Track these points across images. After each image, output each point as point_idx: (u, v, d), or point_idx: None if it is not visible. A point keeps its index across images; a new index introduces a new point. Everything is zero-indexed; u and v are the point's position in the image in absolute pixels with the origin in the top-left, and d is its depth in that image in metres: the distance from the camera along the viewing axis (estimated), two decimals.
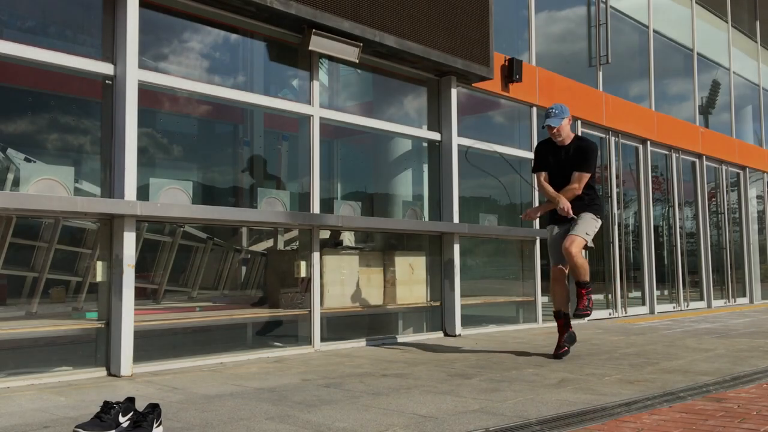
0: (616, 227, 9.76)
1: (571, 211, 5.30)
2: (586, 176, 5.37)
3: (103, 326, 4.61)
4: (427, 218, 7.32)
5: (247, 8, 5.37)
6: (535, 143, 8.44)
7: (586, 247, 5.39)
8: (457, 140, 7.26)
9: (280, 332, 5.99)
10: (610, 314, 9.54)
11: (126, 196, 4.60)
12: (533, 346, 6.12)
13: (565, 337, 5.51)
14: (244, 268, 6.30)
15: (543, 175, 5.57)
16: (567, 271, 5.51)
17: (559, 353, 5.39)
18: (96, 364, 4.58)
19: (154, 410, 2.92)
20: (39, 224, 4.90)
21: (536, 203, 8.41)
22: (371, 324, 6.77)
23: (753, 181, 14.17)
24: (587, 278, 5.41)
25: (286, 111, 6.10)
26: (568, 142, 5.46)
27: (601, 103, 9.70)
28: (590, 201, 5.46)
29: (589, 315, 5.48)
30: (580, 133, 9.27)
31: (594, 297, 9.51)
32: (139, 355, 4.64)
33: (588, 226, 5.37)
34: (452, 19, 6.81)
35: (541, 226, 8.57)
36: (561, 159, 5.45)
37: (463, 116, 7.55)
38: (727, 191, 13.09)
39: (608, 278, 9.70)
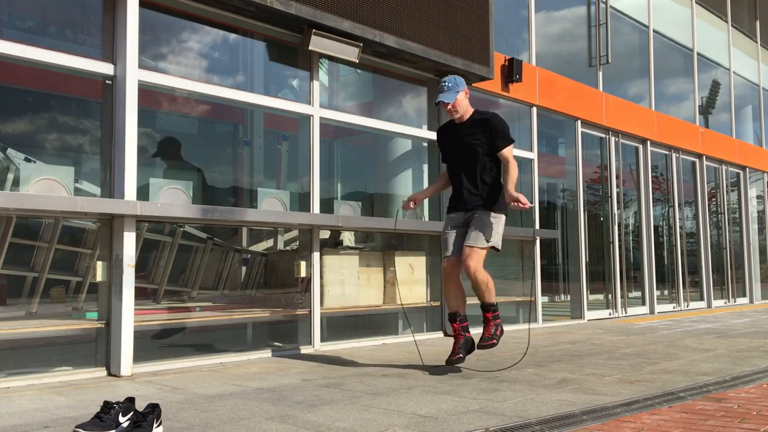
0: (616, 227, 9.76)
1: (526, 202, 4.53)
2: (511, 148, 4.69)
3: (103, 326, 4.61)
4: (427, 218, 7.31)
5: (247, 8, 5.37)
6: (536, 144, 8.47)
7: (493, 249, 4.69)
8: None
9: (280, 332, 5.99)
10: (610, 314, 9.54)
11: (126, 196, 4.60)
12: (533, 346, 6.12)
13: (461, 344, 4.68)
14: (244, 268, 6.30)
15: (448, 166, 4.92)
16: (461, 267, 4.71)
17: (452, 359, 4.62)
18: (96, 364, 4.58)
19: (154, 410, 2.92)
20: (39, 224, 4.90)
21: (537, 202, 8.41)
22: (371, 324, 6.77)
23: (753, 181, 14.17)
24: (492, 299, 4.68)
25: (286, 111, 6.10)
26: (467, 117, 4.78)
27: (601, 103, 9.70)
28: (489, 192, 4.69)
29: (495, 345, 4.69)
30: (580, 134, 9.28)
31: (593, 297, 9.59)
32: (139, 355, 4.64)
33: (486, 230, 4.59)
34: (452, 19, 6.81)
35: (545, 224, 8.57)
36: (463, 138, 4.74)
37: None
38: (727, 191, 13.09)
39: (608, 278, 9.70)
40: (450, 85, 4.70)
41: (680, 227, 11.48)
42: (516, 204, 4.51)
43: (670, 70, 12.07)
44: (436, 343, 6.34)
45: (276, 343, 5.76)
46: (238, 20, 5.57)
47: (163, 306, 5.46)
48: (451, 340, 4.78)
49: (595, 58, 9.91)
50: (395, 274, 6.51)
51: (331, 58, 6.26)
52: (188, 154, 6.30)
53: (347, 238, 6.80)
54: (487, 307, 4.73)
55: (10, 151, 4.79)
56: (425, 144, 7.38)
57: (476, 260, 4.56)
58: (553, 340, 6.62)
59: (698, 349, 5.85)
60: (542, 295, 8.31)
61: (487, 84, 7.59)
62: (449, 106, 4.72)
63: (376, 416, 3.23)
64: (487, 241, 4.60)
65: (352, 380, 4.28)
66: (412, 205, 4.91)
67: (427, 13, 6.55)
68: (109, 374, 4.53)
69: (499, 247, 4.69)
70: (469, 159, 4.72)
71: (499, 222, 4.69)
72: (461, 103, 4.74)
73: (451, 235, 4.76)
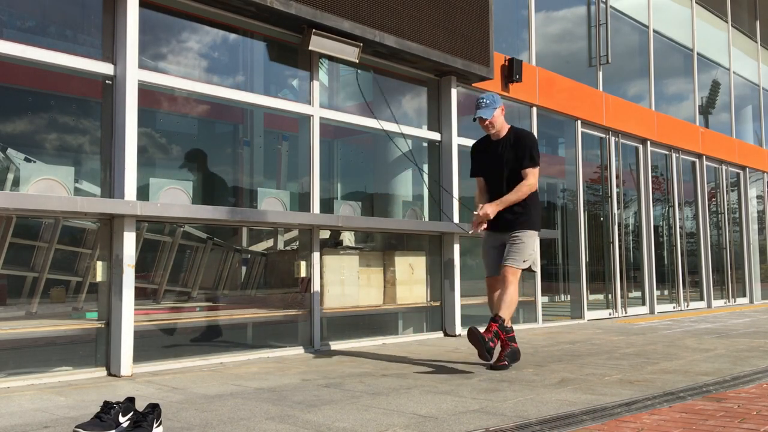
0: (616, 227, 9.76)
1: (489, 216, 4.76)
2: (537, 170, 4.87)
3: (103, 326, 4.61)
4: (427, 218, 7.31)
5: (247, 8, 5.37)
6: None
7: (529, 270, 4.91)
8: (457, 140, 7.27)
9: (280, 332, 5.99)
10: (610, 314, 9.54)
11: (126, 196, 4.60)
12: (533, 346, 6.12)
13: (507, 353, 4.81)
14: (244, 268, 6.30)
15: (481, 180, 5.07)
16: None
17: (497, 365, 4.71)
18: (96, 364, 4.58)
19: (154, 410, 2.92)
20: (39, 224, 4.90)
21: None
22: (371, 324, 6.77)
23: (753, 181, 14.17)
24: (505, 315, 4.70)
25: (286, 111, 6.10)
26: (503, 134, 4.96)
27: (601, 103, 9.70)
28: (524, 211, 4.86)
29: (488, 353, 4.53)
30: (580, 134, 9.28)
31: (593, 297, 9.58)
32: (139, 355, 4.64)
33: (523, 251, 4.79)
34: (452, 19, 6.81)
35: (545, 224, 8.57)
36: (498, 154, 4.92)
37: (463, 116, 7.55)
38: (727, 191, 13.09)
39: (608, 278, 9.70)
40: (488, 101, 4.88)
41: (680, 227, 11.48)
42: (478, 218, 4.79)
43: (670, 70, 12.07)
44: (437, 343, 6.34)
45: (276, 343, 5.76)
46: (238, 20, 5.57)
47: (163, 306, 5.46)
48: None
49: (595, 58, 9.91)
50: None
51: (331, 58, 6.26)
52: (188, 154, 6.30)
53: (347, 238, 6.80)
54: (495, 318, 4.68)
55: (10, 151, 4.79)
56: (425, 144, 7.38)
57: (513, 276, 4.77)
58: (553, 340, 6.62)
59: (698, 349, 5.85)
60: (542, 295, 8.30)
61: (487, 84, 7.59)
62: (486, 122, 4.89)
63: (376, 416, 3.23)
64: (524, 261, 4.82)
65: (352, 380, 4.28)
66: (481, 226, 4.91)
67: (427, 13, 6.55)
68: (109, 374, 4.53)
69: (536, 269, 4.98)
70: (504, 176, 4.91)
71: (533, 240, 4.89)
72: (498, 119, 4.92)
73: (491, 255, 5.00)
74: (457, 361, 5.15)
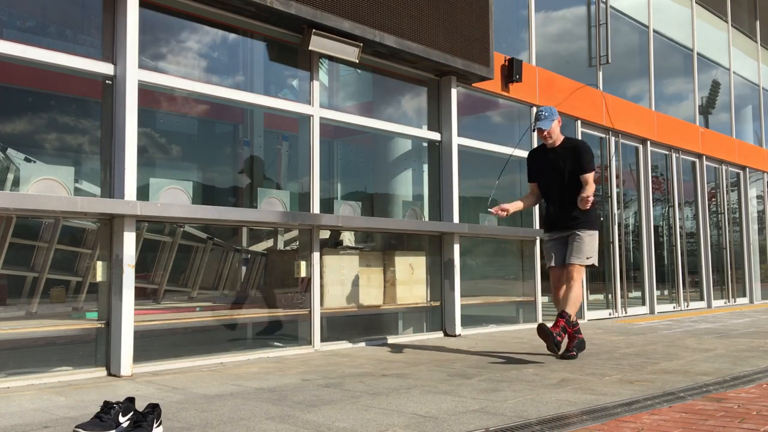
0: (616, 227, 9.76)
1: (504, 210, 5.31)
2: (593, 175, 5.35)
3: (103, 326, 4.61)
4: (427, 218, 7.32)
5: (247, 8, 5.37)
6: (535, 143, 8.46)
7: (592, 267, 5.35)
8: (457, 140, 7.27)
9: (280, 332, 5.99)
10: (610, 314, 9.54)
11: (126, 196, 4.61)
12: (533, 346, 6.12)
13: (575, 343, 5.37)
14: (244, 268, 6.30)
15: (534, 185, 5.62)
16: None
17: (566, 355, 5.23)
18: (96, 364, 4.58)
19: (154, 410, 2.92)
20: (39, 224, 4.90)
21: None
22: (371, 324, 6.77)
23: (753, 181, 14.17)
24: (570, 310, 5.11)
25: (286, 111, 6.10)
26: (558, 143, 5.44)
27: (601, 103, 9.70)
28: (581, 211, 5.33)
29: (556, 346, 4.98)
30: (580, 134, 9.29)
31: (593, 297, 9.58)
32: (139, 355, 4.64)
33: (588, 248, 5.27)
34: (452, 19, 6.82)
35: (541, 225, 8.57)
36: (552, 161, 5.40)
37: (462, 116, 7.55)
38: (727, 191, 13.09)
39: (608, 278, 9.70)
40: (546, 113, 5.32)
41: (680, 227, 11.48)
42: (586, 199, 5.22)
43: (670, 70, 12.07)
44: (437, 343, 6.34)
45: (276, 343, 5.76)
46: (238, 20, 5.57)
47: (163, 306, 5.46)
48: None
49: (595, 58, 9.91)
50: None
51: (331, 58, 6.26)
52: (188, 154, 6.30)
53: (347, 238, 6.80)
54: (562, 315, 5.09)
55: (10, 151, 4.79)
56: (425, 144, 7.39)
57: (578, 273, 5.22)
58: None
59: (698, 349, 5.85)
60: (542, 295, 8.31)
61: (487, 84, 7.59)
62: (545, 132, 5.33)
63: (376, 416, 3.24)
64: (588, 258, 5.26)
65: (352, 380, 4.28)
66: (501, 213, 5.35)
67: (427, 13, 6.55)
68: (109, 374, 4.53)
69: (597, 264, 5.37)
70: (562, 182, 5.37)
71: (594, 239, 5.34)
72: (555, 130, 5.38)
73: (554, 247, 5.43)
74: (457, 361, 5.15)
